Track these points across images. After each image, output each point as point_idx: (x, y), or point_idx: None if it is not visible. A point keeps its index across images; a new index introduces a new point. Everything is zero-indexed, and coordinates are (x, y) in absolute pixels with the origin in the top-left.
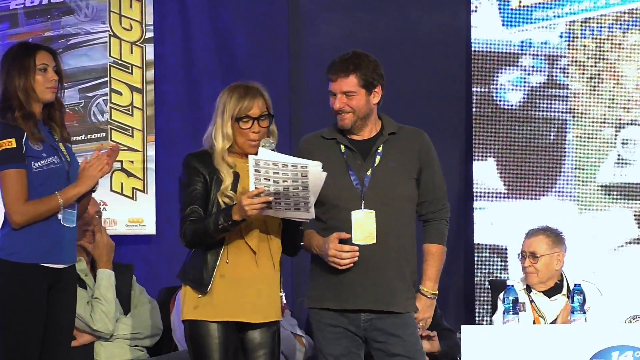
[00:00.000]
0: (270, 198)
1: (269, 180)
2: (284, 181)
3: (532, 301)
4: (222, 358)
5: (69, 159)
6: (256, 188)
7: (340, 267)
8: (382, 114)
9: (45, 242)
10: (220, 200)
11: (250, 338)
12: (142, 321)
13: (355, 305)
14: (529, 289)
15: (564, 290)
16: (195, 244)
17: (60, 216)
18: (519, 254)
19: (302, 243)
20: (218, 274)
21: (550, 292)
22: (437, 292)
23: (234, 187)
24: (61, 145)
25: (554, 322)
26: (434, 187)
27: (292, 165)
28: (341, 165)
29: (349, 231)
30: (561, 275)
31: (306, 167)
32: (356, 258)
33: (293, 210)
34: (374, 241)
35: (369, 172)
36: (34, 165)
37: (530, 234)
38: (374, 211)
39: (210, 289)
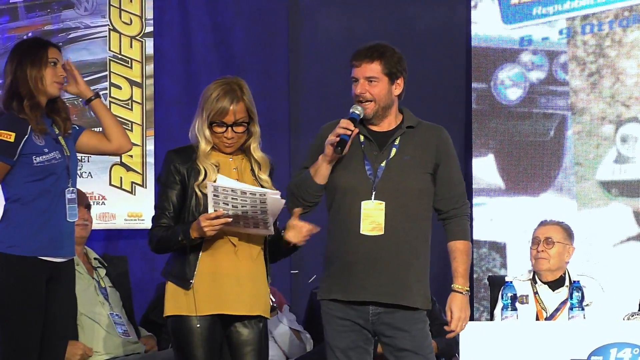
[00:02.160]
0: (230, 220)
1: (227, 204)
2: (242, 206)
3: (536, 293)
4: (206, 353)
5: (68, 154)
6: (215, 211)
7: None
8: (404, 108)
9: (45, 236)
10: (197, 191)
11: (236, 334)
12: None
13: (362, 297)
14: (534, 279)
15: (567, 283)
16: (160, 251)
17: (67, 212)
18: (529, 241)
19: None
20: (200, 269)
21: (554, 285)
22: (469, 288)
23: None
24: (61, 139)
25: (554, 312)
26: (452, 183)
27: (251, 193)
28: (358, 155)
29: (359, 221)
30: (565, 270)
31: (264, 195)
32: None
33: (252, 228)
34: (382, 232)
35: (383, 164)
36: (35, 159)
37: (546, 222)
38: (384, 202)
39: (193, 284)
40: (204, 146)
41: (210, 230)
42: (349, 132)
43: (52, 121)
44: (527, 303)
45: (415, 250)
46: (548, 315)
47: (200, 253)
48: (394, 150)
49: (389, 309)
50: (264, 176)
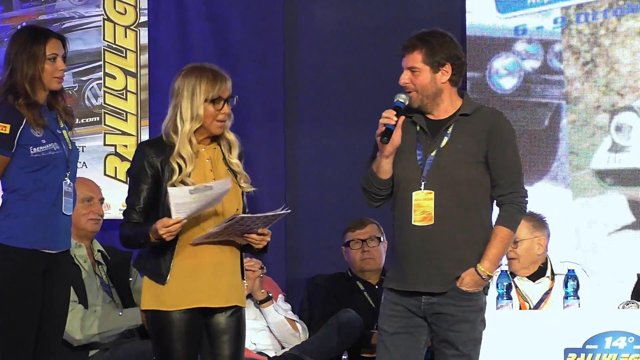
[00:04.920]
0: (184, 221)
1: (233, 227)
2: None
3: (516, 286)
4: (184, 346)
5: (70, 147)
6: (177, 217)
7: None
8: (466, 94)
9: (43, 228)
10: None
11: (215, 323)
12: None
13: (414, 287)
14: (512, 274)
15: (548, 273)
16: (130, 248)
17: (63, 205)
18: None
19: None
20: (175, 264)
21: (534, 277)
22: (492, 274)
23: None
24: (65, 133)
25: (538, 303)
26: (502, 170)
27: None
28: (412, 145)
29: (411, 211)
30: (546, 259)
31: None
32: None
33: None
34: (432, 222)
35: (433, 153)
36: (32, 150)
37: None
38: (433, 192)
39: (169, 279)
40: (188, 126)
41: (169, 236)
42: (392, 122)
43: (57, 114)
44: (510, 298)
45: (468, 241)
46: (533, 307)
47: (177, 247)
48: (445, 139)
49: (441, 299)
50: (234, 160)
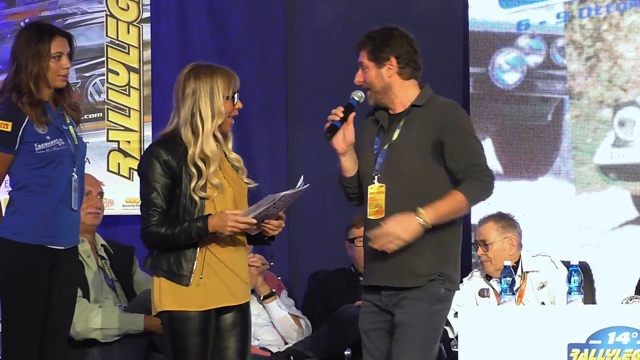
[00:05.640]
0: (254, 222)
1: (268, 210)
2: (274, 208)
3: (493, 289)
4: (201, 344)
5: (76, 142)
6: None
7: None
8: (425, 86)
9: (50, 224)
10: (195, 196)
11: (223, 319)
12: None
13: (373, 282)
14: (487, 277)
15: (519, 272)
16: (159, 249)
17: (72, 201)
18: (473, 244)
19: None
20: (198, 264)
21: None
22: (429, 224)
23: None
24: (71, 129)
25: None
26: (461, 158)
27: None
28: (372, 140)
29: (367, 205)
30: (519, 258)
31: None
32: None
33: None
34: (383, 216)
35: (386, 147)
36: (36, 147)
37: (480, 222)
38: (384, 185)
39: (192, 280)
40: (211, 123)
41: (233, 229)
42: (337, 118)
43: (62, 109)
44: (489, 297)
45: (423, 234)
46: None
47: (198, 247)
48: (397, 132)
49: (398, 292)
50: (233, 155)
